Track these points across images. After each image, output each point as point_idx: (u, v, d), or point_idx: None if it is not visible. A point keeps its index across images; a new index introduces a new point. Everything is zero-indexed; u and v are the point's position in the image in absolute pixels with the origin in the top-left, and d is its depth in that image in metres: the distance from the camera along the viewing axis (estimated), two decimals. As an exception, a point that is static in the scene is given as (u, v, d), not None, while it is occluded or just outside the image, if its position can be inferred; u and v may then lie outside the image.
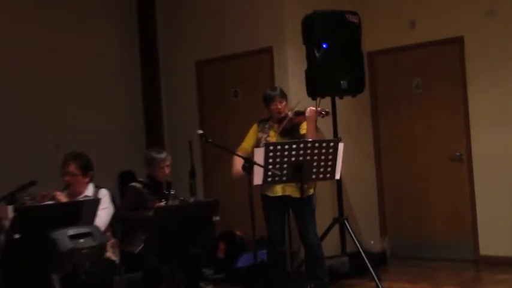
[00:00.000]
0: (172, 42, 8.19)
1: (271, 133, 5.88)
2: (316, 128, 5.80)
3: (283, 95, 5.95)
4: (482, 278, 6.94)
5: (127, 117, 8.03)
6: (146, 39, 8.24)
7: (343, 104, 6.94)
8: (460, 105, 7.27)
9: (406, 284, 6.59)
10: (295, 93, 6.66)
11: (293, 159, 5.25)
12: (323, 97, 6.56)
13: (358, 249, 6.50)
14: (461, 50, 7.21)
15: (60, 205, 5.05)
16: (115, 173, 7.73)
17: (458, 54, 7.24)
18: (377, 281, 6.26)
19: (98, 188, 5.48)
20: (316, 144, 5.30)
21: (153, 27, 8.26)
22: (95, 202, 5.08)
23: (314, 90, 6.57)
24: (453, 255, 7.34)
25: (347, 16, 6.71)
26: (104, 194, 5.42)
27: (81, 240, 4.51)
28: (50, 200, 5.16)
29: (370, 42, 7.46)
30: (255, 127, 6.02)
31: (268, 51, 7.38)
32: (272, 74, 7.34)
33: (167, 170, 5.93)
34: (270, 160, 5.20)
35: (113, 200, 5.54)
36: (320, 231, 6.26)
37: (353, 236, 6.59)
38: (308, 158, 5.27)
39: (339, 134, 6.68)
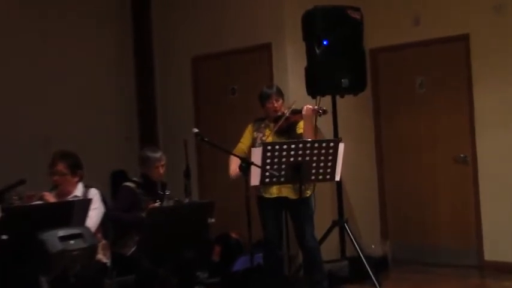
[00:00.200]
0: (167, 37, 8.19)
1: (267, 132, 5.89)
2: (316, 128, 5.81)
3: (280, 93, 5.96)
4: (487, 285, 6.94)
5: (120, 115, 8.04)
6: (141, 35, 8.24)
7: (344, 103, 6.95)
8: (465, 105, 7.28)
9: (407, 290, 6.63)
10: (295, 92, 6.67)
11: (292, 159, 5.25)
12: (323, 96, 6.57)
13: (358, 253, 6.52)
14: (467, 48, 7.21)
15: (50, 205, 5.06)
16: (107, 172, 7.73)
17: (464, 52, 7.24)
18: (378, 286, 6.27)
19: (87, 187, 5.48)
20: (316, 144, 5.30)
21: (148, 23, 8.27)
22: (86, 202, 5.09)
23: (314, 89, 6.58)
24: (457, 261, 7.34)
25: (349, 12, 6.72)
26: (94, 194, 5.43)
27: (72, 242, 4.51)
28: (38, 200, 5.16)
29: (372, 39, 7.46)
30: (250, 127, 6.04)
31: (267, 47, 7.38)
32: (271, 72, 7.34)
33: (162, 170, 5.94)
34: (268, 160, 5.21)
35: (104, 200, 5.55)
36: (319, 234, 6.27)
37: (353, 239, 6.61)
38: (307, 158, 5.28)
39: (340, 134, 6.69)
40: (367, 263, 6.44)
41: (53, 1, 7.47)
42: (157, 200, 5.77)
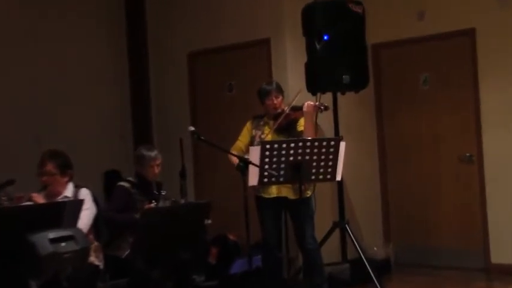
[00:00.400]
0: (162, 32, 8.19)
1: (266, 130, 5.89)
2: (316, 125, 5.81)
3: (280, 90, 5.95)
4: (494, 288, 6.97)
5: (113, 113, 8.03)
6: (135, 30, 8.24)
7: (345, 100, 6.95)
8: (470, 103, 7.28)
9: (411, 293, 6.64)
10: (294, 88, 6.65)
11: (291, 158, 5.25)
12: (323, 92, 6.57)
13: (360, 255, 6.52)
14: (472, 43, 7.21)
15: (40, 206, 5.04)
16: (99, 172, 7.72)
17: (470, 48, 7.24)
18: (380, 290, 6.28)
19: (78, 187, 5.47)
20: (316, 143, 5.30)
21: (143, 18, 8.26)
22: (78, 203, 5.08)
23: (314, 85, 6.58)
24: (462, 263, 7.34)
25: (350, 6, 6.72)
26: (85, 194, 5.42)
27: (63, 244, 4.49)
28: (27, 201, 5.15)
29: (374, 34, 7.45)
30: (248, 124, 6.03)
31: (266, 42, 7.38)
32: (269, 67, 7.34)
33: (157, 170, 5.94)
34: (267, 159, 5.20)
35: (95, 200, 5.54)
36: (319, 236, 6.27)
37: (354, 241, 6.61)
38: (307, 157, 5.27)
39: (340, 133, 6.69)
40: (369, 265, 6.45)
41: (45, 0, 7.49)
42: (153, 201, 5.77)
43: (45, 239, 4.43)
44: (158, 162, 5.94)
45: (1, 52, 7.09)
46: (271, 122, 5.90)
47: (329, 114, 6.14)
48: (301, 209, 5.77)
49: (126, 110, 8.18)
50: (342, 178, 5.69)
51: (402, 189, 7.83)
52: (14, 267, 4.59)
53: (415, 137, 7.72)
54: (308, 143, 5.28)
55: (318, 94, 6.41)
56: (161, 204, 5.75)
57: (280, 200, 5.81)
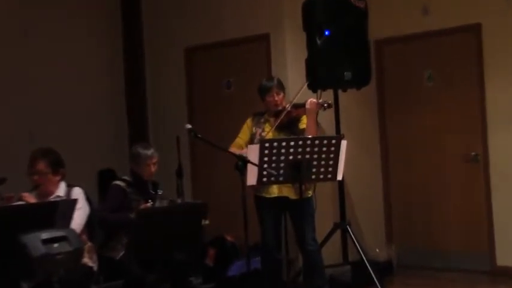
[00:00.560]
0: (158, 27, 8.18)
1: (267, 128, 5.89)
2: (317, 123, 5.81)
3: (281, 86, 5.95)
4: (499, 291, 6.97)
5: (108, 110, 8.01)
6: (130, 25, 8.23)
7: (347, 97, 6.95)
8: (476, 100, 7.27)
9: (414, 296, 6.64)
10: (294, 85, 6.65)
11: (291, 157, 5.24)
12: (324, 90, 6.57)
13: (362, 257, 6.52)
14: (478, 39, 7.21)
15: (33, 206, 5.04)
16: (94, 171, 7.72)
17: (476, 44, 7.24)
18: (382, 293, 6.29)
19: (70, 186, 5.47)
20: (317, 142, 5.29)
21: (138, 11, 8.25)
22: (71, 203, 5.09)
23: (315, 82, 6.57)
24: (467, 266, 7.35)
25: (352, 0, 6.71)
26: (78, 193, 5.42)
27: (56, 245, 4.49)
28: (18, 202, 5.14)
29: (377, 29, 7.44)
30: (249, 121, 6.03)
31: (265, 38, 7.38)
32: (269, 64, 7.34)
33: (153, 169, 5.95)
34: (266, 158, 5.20)
35: (88, 199, 5.54)
36: (320, 237, 6.27)
37: (356, 242, 6.61)
38: (307, 156, 5.27)
39: (342, 131, 6.68)
40: (370, 267, 6.45)
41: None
42: (149, 200, 5.77)
43: (37, 239, 4.43)
44: (154, 160, 5.95)
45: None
46: (272, 120, 5.90)
47: (330, 112, 6.13)
48: (302, 210, 5.77)
49: (121, 107, 8.16)
50: (343, 178, 5.68)
51: (405, 189, 7.83)
52: (5, 269, 4.59)
53: (418, 136, 7.71)
54: (308, 142, 5.28)
55: (319, 91, 6.42)
56: (157, 204, 5.75)
57: (281, 200, 5.81)
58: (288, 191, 5.76)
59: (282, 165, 5.25)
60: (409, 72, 7.76)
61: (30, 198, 5.26)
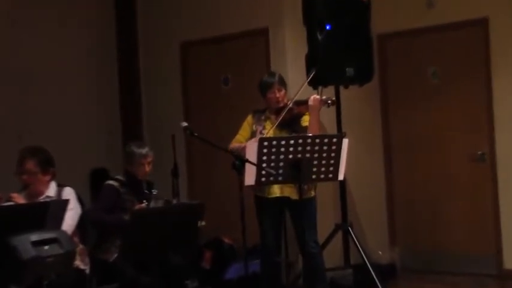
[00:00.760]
0: (153, 21, 8.18)
1: (268, 125, 5.88)
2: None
3: (283, 82, 5.94)
4: (506, 295, 6.98)
5: (100, 107, 8.01)
6: (124, 19, 8.23)
7: (349, 94, 6.95)
8: (482, 97, 7.28)
9: (418, 300, 6.65)
10: (294, 81, 6.64)
11: (291, 156, 5.23)
12: (326, 86, 6.54)
13: (364, 260, 6.52)
14: (485, 34, 7.21)
15: (22, 207, 5.03)
16: (86, 170, 7.71)
17: (482, 38, 7.24)
18: (385, 296, 6.29)
19: (61, 186, 5.46)
20: (317, 140, 5.28)
21: (132, 6, 8.25)
22: (63, 203, 5.08)
23: (315, 78, 6.56)
24: (473, 269, 7.35)
25: (354, -7, 6.72)
26: (69, 193, 5.41)
27: (46, 247, 4.48)
28: (6, 202, 5.13)
29: (380, 23, 7.43)
30: (249, 118, 6.02)
31: (264, 32, 7.38)
32: (268, 59, 7.34)
33: (148, 168, 5.94)
34: (264, 157, 5.19)
35: (80, 200, 5.54)
36: (320, 239, 6.27)
37: (358, 245, 6.61)
38: (308, 155, 5.26)
39: (343, 129, 6.68)
40: (373, 270, 6.45)
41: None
42: (144, 201, 5.77)
43: (27, 242, 4.43)
44: (149, 159, 5.94)
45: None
46: (273, 117, 5.89)
47: (331, 109, 6.12)
48: (303, 211, 5.75)
49: (114, 104, 8.16)
50: (344, 177, 5.66)
51: (409, 189, 7.83)
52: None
53: (423, 134, 7.71)
54: (309, 140, 5.26)
55: (320, 87, 6.39)
56: (152, 204, 5.75)
57: (282, 201, 5.81)
58: (289, 191, 5.75)
59: (281, 164, 5.24)
60: (413, 68, 7.76)
61: (20, 199, 5.25)
